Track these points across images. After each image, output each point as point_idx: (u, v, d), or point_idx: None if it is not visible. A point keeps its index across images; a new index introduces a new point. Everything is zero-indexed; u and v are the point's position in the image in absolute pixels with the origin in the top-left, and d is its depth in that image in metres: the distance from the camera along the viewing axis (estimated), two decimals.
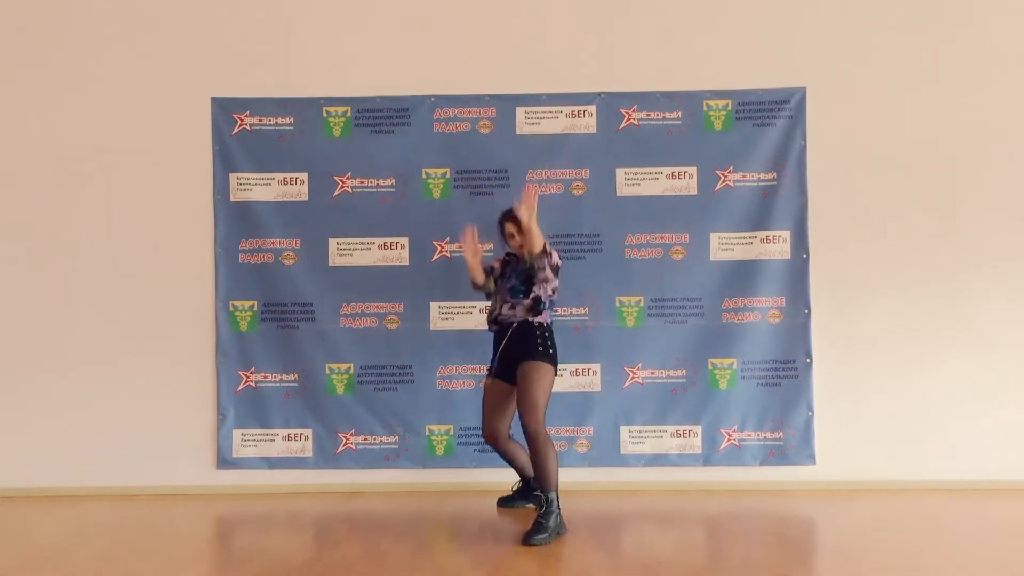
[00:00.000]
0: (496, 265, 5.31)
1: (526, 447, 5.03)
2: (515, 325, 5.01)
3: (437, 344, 5.93)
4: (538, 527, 4.68)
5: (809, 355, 5.90)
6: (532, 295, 5.01)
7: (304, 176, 6.00)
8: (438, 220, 5.94)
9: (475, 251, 5.20)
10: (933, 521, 5.12)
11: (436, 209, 5.96)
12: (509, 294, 5.08)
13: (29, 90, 6.05)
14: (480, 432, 5.92)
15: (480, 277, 5.21)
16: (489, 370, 5.19)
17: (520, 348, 4.97)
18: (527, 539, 4.61)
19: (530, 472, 5.20)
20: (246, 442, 5.96)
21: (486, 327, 5.27)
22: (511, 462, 5.31)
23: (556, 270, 5.03)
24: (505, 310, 5.07)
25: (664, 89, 5.98)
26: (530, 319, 5.00)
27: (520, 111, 6.00)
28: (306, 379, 5.96)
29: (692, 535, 4.97)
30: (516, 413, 5.01)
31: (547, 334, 5.01)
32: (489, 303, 5.29)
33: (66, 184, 6.01)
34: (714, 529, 5.04)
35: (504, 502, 5.50)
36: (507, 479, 5.67)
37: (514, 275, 5.11)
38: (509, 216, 5.12)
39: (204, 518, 5.43)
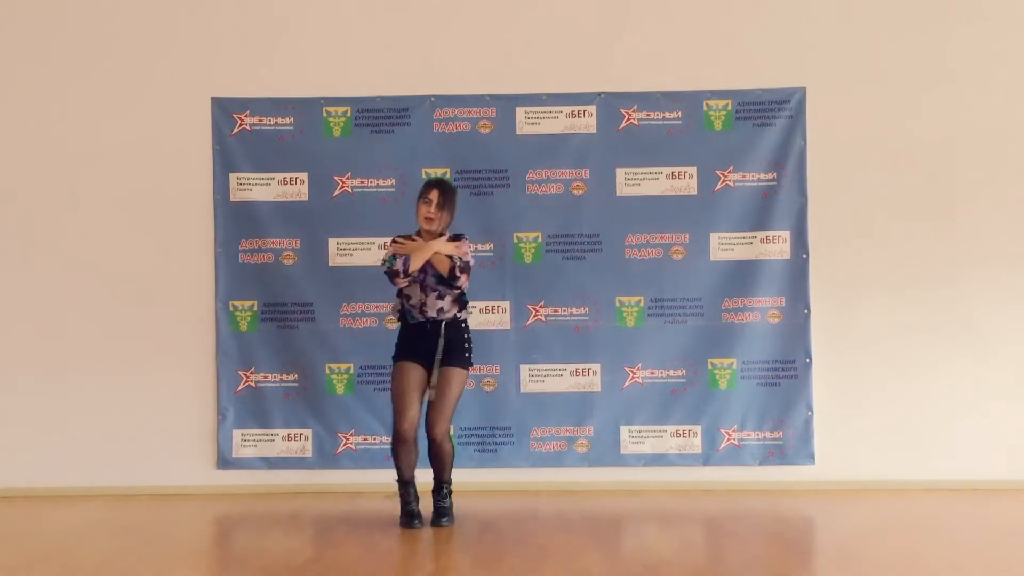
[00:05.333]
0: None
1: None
2: (447, 323, 4.93)
3: None
4: (446, 511, 4.97)
5: (809, 355, 5.90)
6: (458, 286, 4.91)
7: (304, 176, 6.00)
8: None
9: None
10: (933, 521, 5.12)
11: None
12: (435, 280, 4.92)
13: (28, 90, 6.03)
14: (477, 432, 5.94)
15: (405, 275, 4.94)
16: (401, 356, 4.98)
17: (451, 350, 4.93)
18: (443, 522, 4.92)
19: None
20: (246, 442, 5.96)
21: (413, 322, 4.98)
22: (411, 459, 4.98)
23: (468, 268, 4.94)
24: (433, 300, 4.92)
25: (664, 89, 5.98)
26: (458, 315, 4.97)
27: (520, 111, 6.00)
28: (306, 379, 5.96)
29: (692, 535, 4.97)
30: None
31: (470, 335, 5.05)
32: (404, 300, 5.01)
33: (66, 184, 6.01)
34: (714, 529, 5.04)
35: (414, 519, 4.95)
36: (508, 479, 5.70)
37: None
38: (436, 184, 4.99)
39: (204, 518, 5.43)
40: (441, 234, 4.99)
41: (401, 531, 4.86)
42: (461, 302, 4.99)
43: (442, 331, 4.94)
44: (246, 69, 6.02)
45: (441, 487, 5.01)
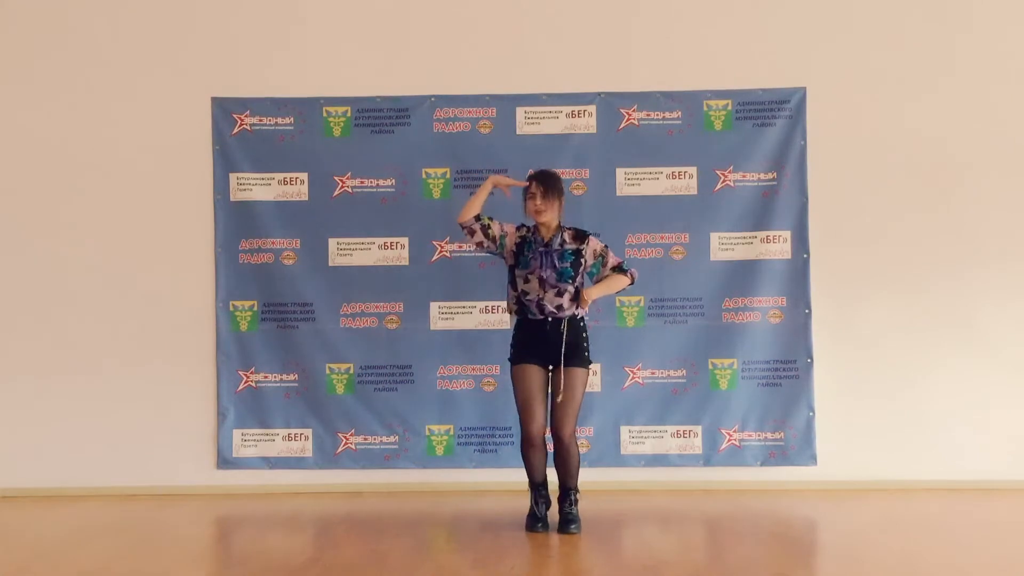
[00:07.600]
0: (508, 231, 4.92)
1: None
2: (568, 320, 4.83)
3: (437, 344, 5.92)
4: (574, 518, 4.85)
5: (810, 355, 5.90)
6: (577, 283, 4.85)
7: (304, 176, 6.00)
8: (438, 220, 5.92)
9: (495, 185, 4.94)
10: (933, 521, 5.12)
11: (436, 209, 5.95)
12: (556, 277, 4.82)
13: (29, 90, 6.04)
14: (477, 432, 5.94)
15: (477, 209, 4.88)
16: (520, 358, 4.87)
17: (573, 349, 4.82)
18: (572, 529, 4.82)
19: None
20: (246, 442, 5.96)
21: (514, 316, 4.93)
22: (542, 461, 4.95)
23: (623, 268, 4.98)
24: (552, 296, 4.82)
25: (664, 89, 5.98)
26: (576, 313, 4.87)
27: (520, 111, 6.00)
28: (306, 379, 5.96)
29: (692, 535, 4.97)
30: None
31: (588, 333, 4.94)
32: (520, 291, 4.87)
33: (66, 184, 6.01)
34: (714, 529, 5.04)
35: (538, 522, 4.91)
36: (508, 479, 5.68)
37: (557, 257, 4.84)
38: (535, 177, 4.89)
39: (204, 518, 5.43)
40: (559, 224, 4.88)
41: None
42: (578, 300, 4.87)
43: (564, 329, 4.83)
44: (246, 69, 6.02)
45: (568, 493, 4.89)
